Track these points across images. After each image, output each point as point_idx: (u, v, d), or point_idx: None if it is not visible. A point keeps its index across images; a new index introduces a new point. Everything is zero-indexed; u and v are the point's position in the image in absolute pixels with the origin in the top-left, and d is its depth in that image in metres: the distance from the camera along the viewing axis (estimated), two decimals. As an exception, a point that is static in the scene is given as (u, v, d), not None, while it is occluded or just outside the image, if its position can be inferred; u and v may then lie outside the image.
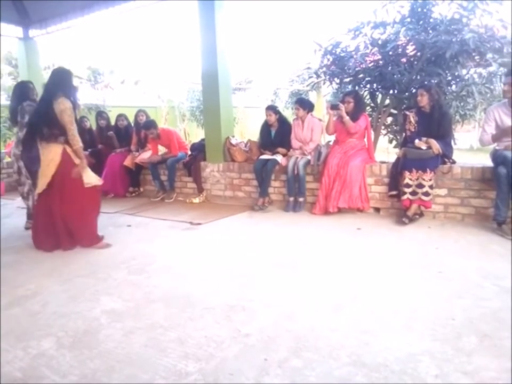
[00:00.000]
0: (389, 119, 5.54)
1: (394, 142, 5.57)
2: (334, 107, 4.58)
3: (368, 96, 5.48)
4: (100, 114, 6.91)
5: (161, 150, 6.30)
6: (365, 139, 4.68)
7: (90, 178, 3.73)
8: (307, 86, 8.36)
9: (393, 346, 1.94)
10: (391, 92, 5.09)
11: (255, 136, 5.80)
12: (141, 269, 3.16)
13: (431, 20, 4.79)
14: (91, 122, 6.98)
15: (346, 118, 4.48)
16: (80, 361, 1.95)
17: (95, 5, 6.57)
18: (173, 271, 3.10)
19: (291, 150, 5.02)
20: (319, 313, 2.31)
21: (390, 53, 4.87)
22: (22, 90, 4.32)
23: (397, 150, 5.02)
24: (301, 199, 4.83)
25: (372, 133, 4.95)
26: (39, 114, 3.63)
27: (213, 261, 3.30)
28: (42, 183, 3.65)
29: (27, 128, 3.81)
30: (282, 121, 5.19)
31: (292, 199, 4.84)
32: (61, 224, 3.68)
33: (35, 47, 7.83)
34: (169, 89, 14.03)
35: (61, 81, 3.65)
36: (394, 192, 4.24)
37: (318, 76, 5.60)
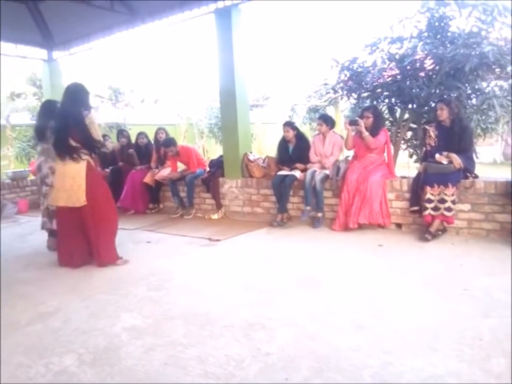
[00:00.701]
0: (409, 134, 5.49)
1: (414, 157, 5.51)
2: (353, 123, 4.57)
3: (386, 111, 5.46)
4: (121, 132, 7.05)
5: (180, 166, 6.38)
6: (385, 154, 4.64)
7: None
8: (325, 101, 8.37)
9: (417, 367, 1.88)
10: (410, 106, 5.05)
11: (272, 152, 5.82)
12: (160, 285, 3.17)
13: (449, 34, 4.77)
14: (112, 141, 7.12)
15: (366, 133, 4.45)
16: (101, 378, 1.95)
17: (115, 26, 6.77)
18: (192, 288, 3.09)
19: (309, 163, 5.00)
20: (340, 332, 2.27)
21: (408, 67, 4.86)
22: (50, 109, 4.42)
23: (417, 164, 4.96)
24: (319, 215, 4.78)
25: (392, 147, 4.91)
26: (67, 127, 3.68)
27: (232, 277, 3.29)
28: (72, 199, 3.69)
29: (55, 142, 3.84)
30: (300, 137, 5.19)
31: (308, 208, 4.76)
32: (93, 239, 3.73)
33: (58, 68, 8.09)
34: (188, 107, 14.25)
35: (80, 97, 3.77)
36: (415, 208, 4.16)
37: (336, 91, 5.62)
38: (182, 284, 3.20)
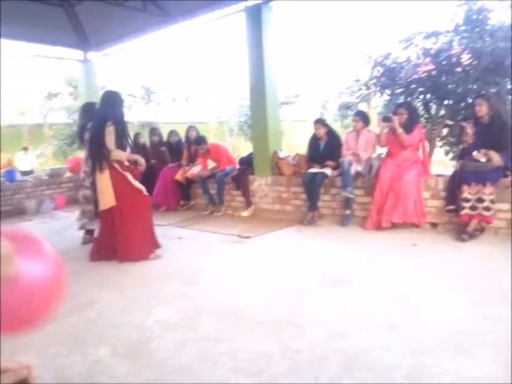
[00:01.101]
0: (444, 130, 5.33)
1: (450, 154, 5.34)
2: (386, 119, 4.47)
3: (422, 107, 5.31)
4: (153, 130, 7.18)
5: (210, 164, 6.44)
6: (419, 152, 4.52)
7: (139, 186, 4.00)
8: (357, 98, 8.21)
9: (453, 369, 1.83)
10: (446, 102, 4.91)
11: (303, 149, 5.78)
12: (191, 281, 3.21)
13: (488, 27, 4.59)
14: (144, 139, 7.27)
15: (400, 130, 4.34)
16: (134, 370, 1.99)
17: (148, 27, 6.90)
18: (222, 284, 3.12)
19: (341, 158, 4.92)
20: (372, 332, 2.23)
21: (444, 62, 4.72)
22: (88, 111, 4.59)
23: (453, 162, 4.80)
24: (347, 212, 4.72)
25: (427, 145, 4.77)
26: (95, 140, 3.89)
27: (262, 275, 3.29)
28: (104, 202, 3.87)
29: (90, 154, 4.05)
30: (331, 134, 5.13)
31: (349, 188, 4.61)
32: (120, 237, 3.86)
33: (93, 69, 8.32)
34: (218, 105, 14.37)
35: (111, 105, 3.94)
36: (452, 207, 4.03)
37: (368, 88, 5.53)
38: (213, 280, 3.23)
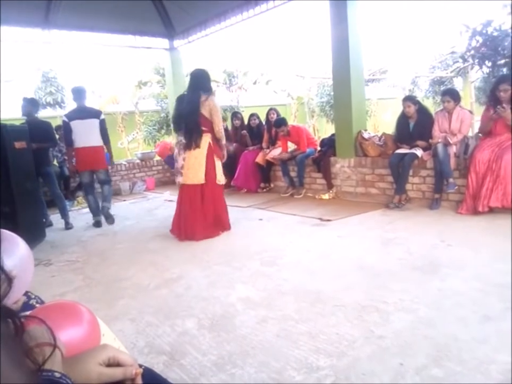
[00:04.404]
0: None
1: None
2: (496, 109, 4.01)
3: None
4: (235, 114, 7.32)
5: (291, 146, 6.41)
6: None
7: (221, 178, 4.23)
8: (451, 72, 7.54)
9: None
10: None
11: (389, 129, 5.49)
12: (272, 261, 3.25)
13: None
14: (227, 123, 7.45)
15: (508, 111, 3.90)
16: (218, 342, 2.08)
17: (229, 11, 6.96)
18: (303, 266, 3.10)
19: (431, 140, 4.59)
20: (463, 322, 2.07)
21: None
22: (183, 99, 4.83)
23: None
24: (436, 196, 4.41)
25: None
26: (190, 113, 4.05)
27: (343, 258, 3.21)
28: (197, 177, 4.06)
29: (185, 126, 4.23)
30: (422, 112, 4.79)
31: (451, 180, 4.33)
32: (208, 213, 4.11)
33: (179, 57, 8.64)
34: (299, 87, 14.15)
35: (201, 82, 4.10)
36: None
37: (465, 60, 5.05)
38: (294, 261, 3.23)
